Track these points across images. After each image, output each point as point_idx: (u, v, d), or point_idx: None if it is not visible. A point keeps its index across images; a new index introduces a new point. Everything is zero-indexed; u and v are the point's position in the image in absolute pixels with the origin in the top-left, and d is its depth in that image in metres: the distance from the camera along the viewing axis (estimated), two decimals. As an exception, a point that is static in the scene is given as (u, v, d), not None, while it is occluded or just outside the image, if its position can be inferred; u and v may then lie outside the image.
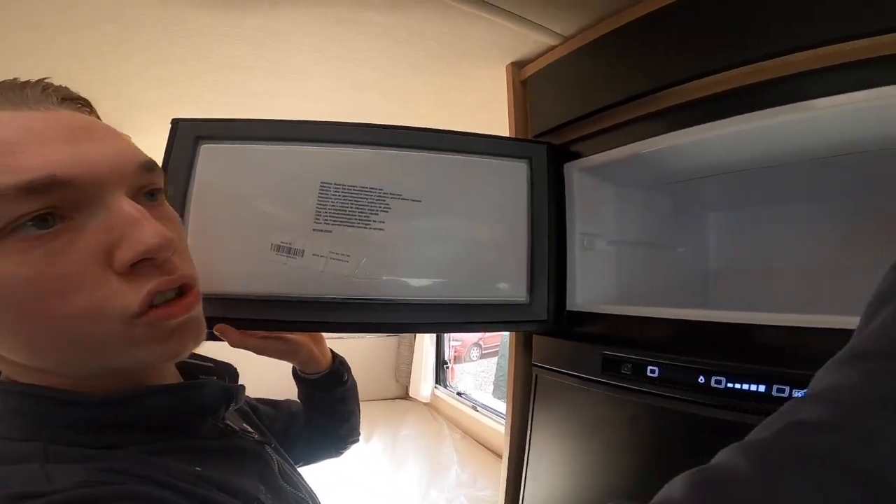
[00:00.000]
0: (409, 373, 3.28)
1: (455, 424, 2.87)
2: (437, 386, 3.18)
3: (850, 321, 0.45)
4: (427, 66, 1.00)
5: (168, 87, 1.06)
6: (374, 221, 0.68)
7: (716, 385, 0.52)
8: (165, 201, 0.43)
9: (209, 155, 0.66)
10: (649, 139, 0.69)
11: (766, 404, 0.47)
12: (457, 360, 3.46)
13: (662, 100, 0.69)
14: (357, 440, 0.84)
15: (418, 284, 0.71)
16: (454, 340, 3.45)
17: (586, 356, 0.70)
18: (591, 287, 0.78)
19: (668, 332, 0.66)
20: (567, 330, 0.78)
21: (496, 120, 0.99)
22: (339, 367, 0.77)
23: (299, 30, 0.85)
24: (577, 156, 0.81)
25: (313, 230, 0.66)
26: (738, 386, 0.51)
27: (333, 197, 0.67)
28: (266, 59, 0.95)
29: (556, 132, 0.85)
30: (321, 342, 0.75)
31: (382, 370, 3.38)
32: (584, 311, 0.76)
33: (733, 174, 0.79)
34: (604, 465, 0.70)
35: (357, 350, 3.05)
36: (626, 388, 0.64)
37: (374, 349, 3.32)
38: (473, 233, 0.75)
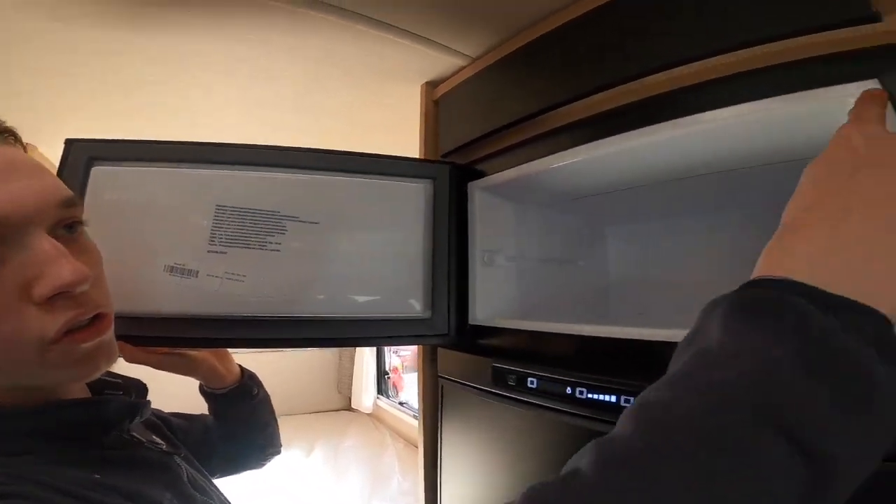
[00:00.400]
0: (351, 384, 3.26)
1: (398, 434, 2.88)
2: (380, 396, 3.18)
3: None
4: (342, 84, 1.01)
5: (75, 102, 1.04)
6: (271, 243, 0.69)
7: (579, 395, 0.56)
8: (84, 233, 0.45)
9: (101, 177, 0.65)
10: (540, 159, 0.71)
11: (616, 415, 0.51)
12: (406, 369, 3.45)
13: (554, 119, 0.71)
14: (278, 452, 0.86)
15: (320, 301, 0.72)
16: (403, 350, 3.45)
17: (480, 368, 0.73)
18: (491, 302, 0.81)
19: (558, 344, 0.69)
20: (470, 343, 0.80)
21: (412, 137, 1.01)
22: (247, 381, 0.78)
23: (206, 48, 0.85)
24: (480, 175, 0.83)
25: (208, 252, 0.66)
26: (595, 396, 0.54)
27: (229, 219, 0.67)
28: (174, 76, 0.94)
29: (461, 151, 0.88)
30: (225, 358, 0.76)
31: (324, 382, 3.35)
32: (484, 325, 0.79)
33: (629, 190, 0.82)
34: (503, 469, 0.73)
35: (299, 363, 3.03)
36: (511, 398, 0.67)
37: (316, 361, 3.30)
38: (374, 252, 0.76)
